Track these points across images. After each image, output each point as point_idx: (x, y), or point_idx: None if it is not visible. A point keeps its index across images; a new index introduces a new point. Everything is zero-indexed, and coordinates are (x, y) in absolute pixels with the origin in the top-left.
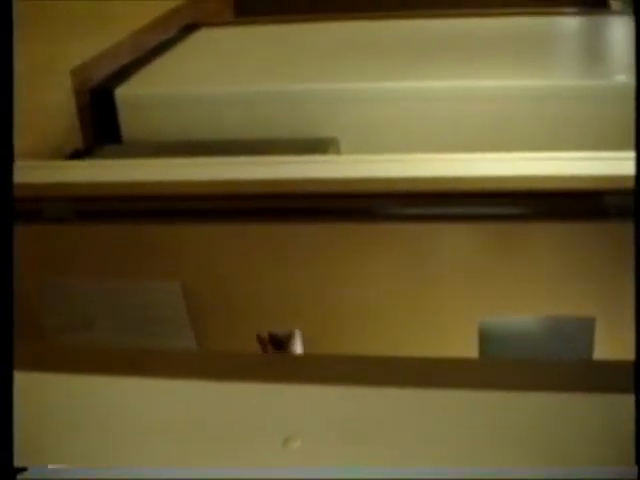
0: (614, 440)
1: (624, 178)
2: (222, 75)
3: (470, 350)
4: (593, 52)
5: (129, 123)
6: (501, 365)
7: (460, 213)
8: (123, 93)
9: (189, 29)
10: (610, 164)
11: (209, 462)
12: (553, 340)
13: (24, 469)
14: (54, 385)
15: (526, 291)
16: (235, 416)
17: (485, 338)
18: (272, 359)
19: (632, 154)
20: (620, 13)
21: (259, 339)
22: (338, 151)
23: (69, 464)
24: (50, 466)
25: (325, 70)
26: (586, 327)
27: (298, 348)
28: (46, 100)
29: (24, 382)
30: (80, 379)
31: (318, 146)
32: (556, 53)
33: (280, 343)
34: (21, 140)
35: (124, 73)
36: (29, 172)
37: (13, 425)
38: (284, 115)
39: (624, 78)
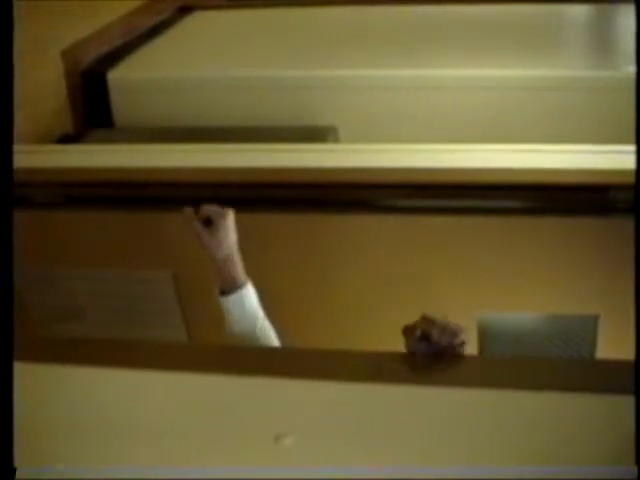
0: (615, 440)
1: (632, 172)
2: (217, 60)
3: (469, 346)
4: (602, 42)
5: (121, 107)
6: (500, 363)
7: (461, 206)
8: (115, 76)
9: (183, 12)
10: (619, 157)
11: (199, 457)
12: (555, 338)
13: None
14: (42, 376)
15: (528, 287)
16: (227, 410)
17: (484, 335)
18: (264, 353)
19: (634, 147)
20: (629, 1)
21: (185, 212)
22: (337, 139)
23: (58, 456)
24: (50, 466)
25: (323, 57)
26: (589, 325)
27: (230, 228)
28: (36, 82)
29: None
30: (68, 371)
31: (316, 134)
32: (565, 43)
33: (208, 219)
34: None
35: (116, 56)
36: (17, 156)
37: (13, 425)
38: (281, 102)
39: (633, 69)
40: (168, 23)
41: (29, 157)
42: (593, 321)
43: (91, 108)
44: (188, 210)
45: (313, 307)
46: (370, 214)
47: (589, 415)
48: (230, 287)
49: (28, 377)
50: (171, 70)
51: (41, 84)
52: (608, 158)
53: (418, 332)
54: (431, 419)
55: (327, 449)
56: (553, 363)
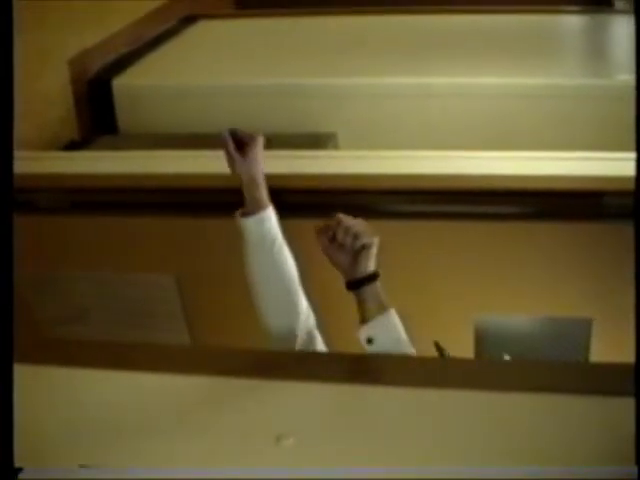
0: (609, 442)
1: (625, 179)
2: (220, 68)
3: (466, 348)
4: (597, 51)
5: (126, 114)
6: (497, 365)
7: (458, 211)
8: (120, 84)
9: (188, 21)
10: (612, 164)
11: (201, 458)
12: (549, 340)
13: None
14: (46, 378)
15: (523, 290)
16: (229, 412)
17: (481, 337)
18: (266, 355)
19: (634, 155)
20: (624, 12)
21: (222, 138)
22: (337, 146)
23: (60, 457)
24: (50, 466)
25: (325, 65)
26: (583, 328)
27: (258, 153)
28: (42, 90)
29: (16, 375)
30: (72, 373)
31: (317, 141)
32: (560, 51)
33: (241, 142)
34: (17, 130)
35: (122, 64)
36: (24, 162)
37: (13, 425)
38: (283, 109)
39: (628, 77)
40: (173, 32)
41: (36, 163)
42: (587, 324)
43: (97, 115)
44: (225, 134)
45: (315, 311)
46: (369, 219)
47: (585, 417)
48: (252, 209)
49: (32, 379)
50: (175, 78)
51: (48, 92)
52: (602, 165)
53: (329, 233)
54: (429, 420)
55: (328, 450)
56: (548, 365)
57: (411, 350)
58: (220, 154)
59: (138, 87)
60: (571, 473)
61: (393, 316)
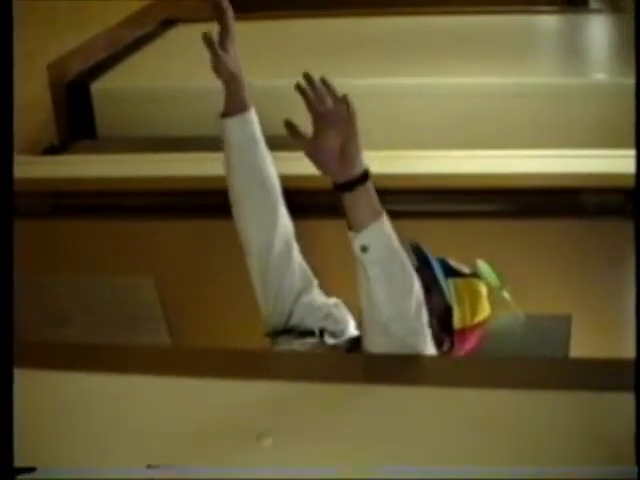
0: (594, 437)
1: (603, 176)
2: (199, 71)
3: None
4: (573, 50)
5: (105, 118)
6: (478, 362)
7: (434, 210)
8: (99, 88)
9: (166, 24)
10: (589, 162)
11: (182, 457)
12: (529, 337)
13: (24, 469)
14: (28, 382)
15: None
16: (208, 412)
17: None
18: (245, 355)
19: (611, 152)
20: (599, 12)
21: (206, 38)
22: None
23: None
24: (50, 466)
25: (308, 66)
26: (562, 324)
27: (235, 49)
28: (21, 94)
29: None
30: (52, 375)
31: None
32: (538, 51)
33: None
34: None
35: (100, 68)
36: None
37: (13, 426)
38: (265, 112)
39: (604, 76)
40: (152, 36)
41: (16, 168)
42: (566, 321)
43: (76, 119)
44: (208, 34)
45: None
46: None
47: (567, 413)
48: (235, 109)
49: (18, 382)
50: (154, 81)
51: (27, 96)
52: (579, 162)
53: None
54: (412, 419)
55: (310, 450)
56: (529, 361)
57: (407, 258)
58: (200, 156)
59: (117, 91)
60: (571, 473)
61: (387, 221)
